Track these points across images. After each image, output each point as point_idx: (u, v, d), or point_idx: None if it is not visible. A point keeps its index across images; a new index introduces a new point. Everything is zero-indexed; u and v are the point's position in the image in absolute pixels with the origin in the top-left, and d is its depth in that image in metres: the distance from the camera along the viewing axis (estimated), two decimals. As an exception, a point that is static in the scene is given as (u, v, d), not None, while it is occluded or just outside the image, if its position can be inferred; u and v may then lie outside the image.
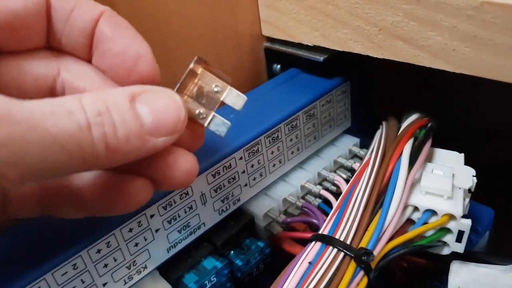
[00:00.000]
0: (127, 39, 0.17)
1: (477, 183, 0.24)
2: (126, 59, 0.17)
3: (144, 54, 0.17)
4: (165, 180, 0.17)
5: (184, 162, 0.17)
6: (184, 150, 0.17)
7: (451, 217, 0.22)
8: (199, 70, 0.17)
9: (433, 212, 0.23)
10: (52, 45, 0.17)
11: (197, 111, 0.17)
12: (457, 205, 0.22)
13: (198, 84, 0.17)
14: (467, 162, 0.25)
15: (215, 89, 0.18)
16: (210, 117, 0.18)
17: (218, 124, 0.18)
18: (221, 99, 0.18)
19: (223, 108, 0.29)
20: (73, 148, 0.13)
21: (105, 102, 0.14)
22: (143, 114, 0.15)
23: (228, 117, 0.18)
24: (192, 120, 0.17)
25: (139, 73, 0.17)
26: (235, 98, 0.18)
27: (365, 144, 0.31)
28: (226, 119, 0.18)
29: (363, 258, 0.20)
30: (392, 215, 0.22)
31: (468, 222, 0.22)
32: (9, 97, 0.12)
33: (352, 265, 0.20)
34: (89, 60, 0.17)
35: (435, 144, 0.26)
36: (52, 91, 0.17)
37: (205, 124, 0.18)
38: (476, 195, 0.24)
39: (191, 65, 0.17)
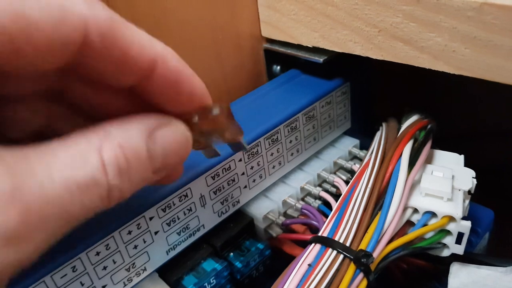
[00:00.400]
0: (188, 86, 0.15)
1: (477, 184, 0.24)
2: (187, 98, 0.16)
3: (199, 88, 0.16)
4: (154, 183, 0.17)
5: (176, 174, 0.17)
6: None
7: (451, 219, 0.22)
8: (218, 115, 0.16)
9: (433, 214, 0.22)
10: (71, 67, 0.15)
11: (197, 140, 0.17)
12: (457, 207, 0.22)
13: (211, 126, 0.16)
14: (467, 163, 0.25)
15: (224, 136, 0.17)
16: (205, 147, 0.18)
17: (209, 152, 0.18)
18: (225, 143, 0.17)
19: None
20: (89, 215, 0.13)
21: (125, 151, 0.13)
22: (156, 158, 0.14)
23: None
24: None
25: (195, 102, 0.16)
26: (236, 148, 0.18)
27: (365, 145, 0.31)
28: None
29: (362, 260, 0.20)
30: (392, 217, 0.22)
31: (468, 224, 0.22)
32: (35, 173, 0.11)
33: (352, 267, 0.20)
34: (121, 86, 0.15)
35: (435, 145, 0.26)
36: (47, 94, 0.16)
37: (197, 149, 0.18)
38: (476, 196, 0.24)
39: (213, 109, 0.16)
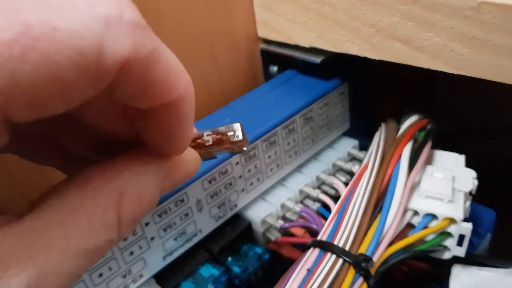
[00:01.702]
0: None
1: (478, 183, 0.23)
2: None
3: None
4: None
5: None
6: None
7: (452, 221, 0.22)
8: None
9: (434, 216, 0.22)
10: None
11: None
12: (458, 209, 0.22)
13: (225, 148, 0.16)
14: (468, 162, 0.25)
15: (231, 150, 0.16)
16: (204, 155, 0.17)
17: (206, 155, 0.17)
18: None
19: (222, 110, 0.28)
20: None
21: (142, 205, 0.13)
22: (164, 190, 0.14)
23: (224, 120, 0.18)
24: None
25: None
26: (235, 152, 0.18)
27: (364, 146, 0.31)
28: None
29: (362, 264, 0.19)
30: (392, 219, 0.21)
31: (469, 226, 0.21)
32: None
33: (351, 271, 0.20)
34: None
35: (435, 145, 0.26)
36: None
37: None
38: (477, 196, 0.24)
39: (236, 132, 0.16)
